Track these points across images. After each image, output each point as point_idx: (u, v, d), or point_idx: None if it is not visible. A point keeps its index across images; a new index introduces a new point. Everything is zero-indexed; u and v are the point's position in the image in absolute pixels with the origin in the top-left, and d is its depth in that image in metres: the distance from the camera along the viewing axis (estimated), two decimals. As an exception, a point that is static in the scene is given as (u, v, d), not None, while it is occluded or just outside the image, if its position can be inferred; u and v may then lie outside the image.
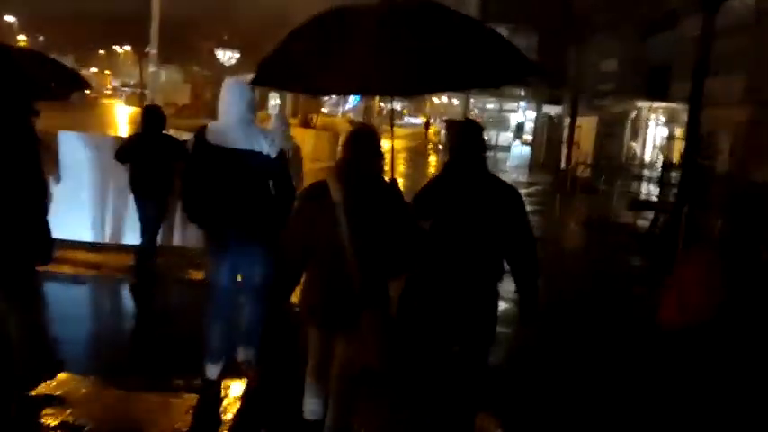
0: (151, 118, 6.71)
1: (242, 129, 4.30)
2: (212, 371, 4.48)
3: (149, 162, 6.55)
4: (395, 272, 3.60)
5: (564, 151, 18.36)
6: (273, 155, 4.34)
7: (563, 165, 19.99)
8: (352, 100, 58.62)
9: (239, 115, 4.32)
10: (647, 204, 14.47)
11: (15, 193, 3.62)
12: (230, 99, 4.36)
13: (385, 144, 3.76)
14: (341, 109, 55.61)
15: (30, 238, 3.73)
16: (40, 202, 3.77)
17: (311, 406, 3.70)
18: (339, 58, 3.74)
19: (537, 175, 19.64)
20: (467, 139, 3.76)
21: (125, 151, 6.77)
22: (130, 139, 7.06)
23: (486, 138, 3.86)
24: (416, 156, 31.96)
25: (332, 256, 3.40)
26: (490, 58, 3.96)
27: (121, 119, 29.06)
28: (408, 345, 3.67)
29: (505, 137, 43.40)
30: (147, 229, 6.77)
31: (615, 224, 13.33)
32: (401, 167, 25.74)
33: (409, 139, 48.16)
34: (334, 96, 75.39)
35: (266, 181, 4.39)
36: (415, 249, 3.56)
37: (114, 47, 58.87)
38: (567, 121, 19.45)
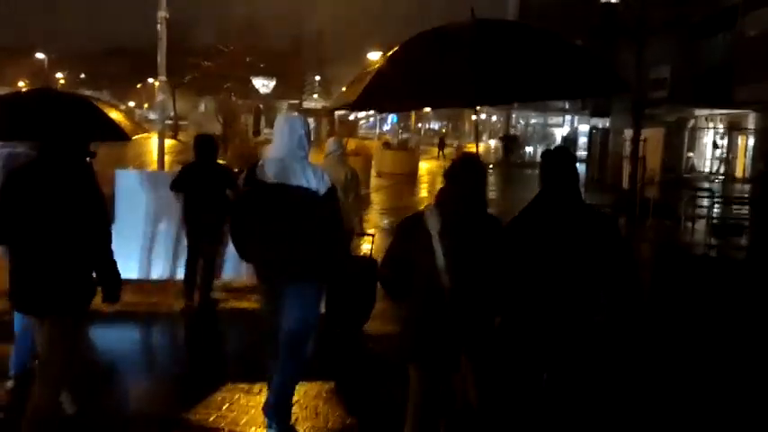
0: (203, 147, 6.78)
1: (291, 164, 4.28)
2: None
3: (203, 191, 6.61)
4: (497, 308, 3.50)
5: (627, 168, 16.17)
6: (322, 191, 4.26)
7: (625, 183, 17.73)
8: (390, 120, 57.53)
9: (289, 150, 4.31)
10: (737, 229, 12.19)
11: (83, 233, 3.70)
12: (281, 134, 4.36)
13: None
14: (377, 131, 54.45)
15: (98, 278, 3.81)
16: (106, 242, 3.82)
17: None
18: (433, 71, 3.90)
19: (594, 196, 17.40)
20: (561, 168, 3.63)
21: (180, 180, 6.78)
22: (184, 168, 7.03)
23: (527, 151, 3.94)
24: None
25: (429, 291, 3.32)
26: (578, 69, 4.07)
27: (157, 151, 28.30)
28: (505, 378, 3.56)
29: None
30: (196, 259, 6.84)
31: (705, 257, 11.11)
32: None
33: (450, 158, 46.33)
34: (371, 119, 75.95)
35: (314, 218, 4.29)
36: (510, 285, 3.47)
37: (149, 79, 58.70)
38: (628, 133, 17.18)
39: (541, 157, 3.85)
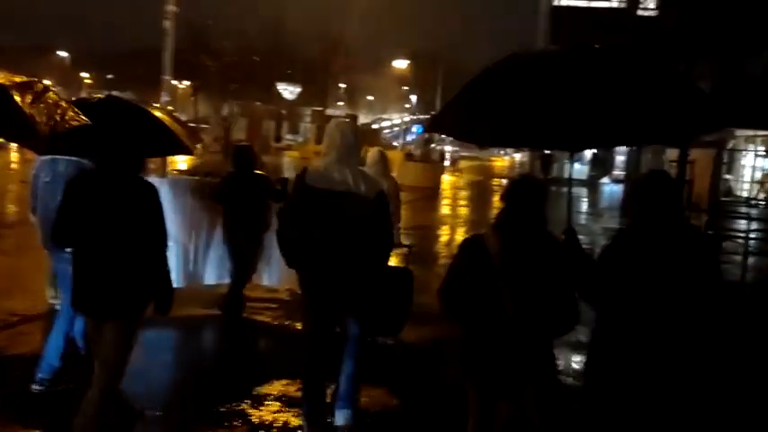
0: (242, 157, 6.80)
1: (341, 170, 4.27)
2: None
3: (243, 201, 6.65)
4: (560, 330, 3.46)
5: None
6: (372, 196, 4.28)
7: None
8: (416, 130, 56.58)
9: (339, 157, 4.31)
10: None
11: (141, 242, 3.87)
12: (331, 141, 4.36)
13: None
14: (400, 141, 53.56)
15: (152, 287, 3.96)
16: (162, 252, 3.98)
17: None
18: (510, 109, 3.57)
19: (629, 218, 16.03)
20: (663, 195, 3.38)
21: (222, 191, 6.82)
22: (224, 178, 7.01)
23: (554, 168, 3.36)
24: (481, 193, 28.66)
25: (490, 314, 3.34)
26: (677, 111, 3.59)
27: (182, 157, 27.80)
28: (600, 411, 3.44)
29: (580, 170, 39.39)
30: (241, 268, 6.80)
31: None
32: (462, 210, 22.61)
33: (474, 171, 44.99)
34: (395, 128, 75.20)
35: (364, 225, 4.26)
36: (573, 310, 3.42)
37: (174, 82, 58.38)
38: (672, 153, 15.74)
39: (644, 180, 3.58)
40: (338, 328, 4.61)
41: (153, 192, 3.98)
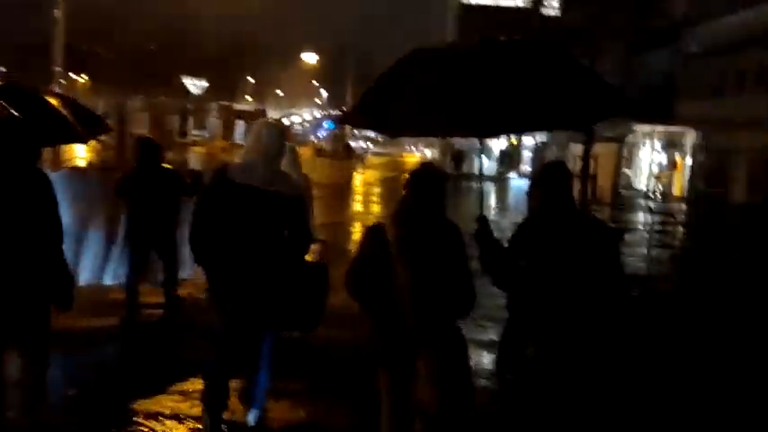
0: (146, 150, 6.55)
1: (265, 169, 4.24)
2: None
3: (150, 197, 6.38)
4: (457, 312, 3.59)
5: (576, 187, 14.98)
6: (294, 197, 4.29)
7: None
8: (326, 125, 56.18)
9: (263, 156, 4.26)
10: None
11: (32, 236, 3.63)
12: (257, 139, 4.32)
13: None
14: (311, 137, 53.06)
15: (49, 283, 3.70)
16: (57, 245, 3.75)
17: None
18: (436, 97, 3.63)
19: None
20: (557, 181, 3.67)
21: (125, 186, 6.54)
22: (128, 173, 6.70)
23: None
24: (393, 189, 28.55)
25: (390, 296, 3.47)
26: (582, 98, 3.78)
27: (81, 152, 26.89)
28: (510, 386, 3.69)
29: (489, 166, 40.01)
30: (141, 270, 6.68)
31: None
32: (374, 206, 22.42)
33: (386, 167, 44.99)
34: (306, 124, 74.52)
35: (282, 225, 4.28)
36: (469, 293, 3.57)
37: (72, 75, 55.78)
38: (575, 148, 16.00)
39: (540, 171, 3.88)
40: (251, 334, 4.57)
41: (47, 183, 3.75)
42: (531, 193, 3.75)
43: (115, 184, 6.67)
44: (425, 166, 3.91)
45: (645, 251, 11.43)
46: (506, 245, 3.68)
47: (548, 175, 3.73)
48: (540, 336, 3.56)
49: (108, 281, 7.34)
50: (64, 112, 5.83)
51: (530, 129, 5.30)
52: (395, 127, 4.25)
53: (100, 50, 47.29)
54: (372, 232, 3.69)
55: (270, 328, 4.57)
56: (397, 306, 3.46)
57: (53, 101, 5.89)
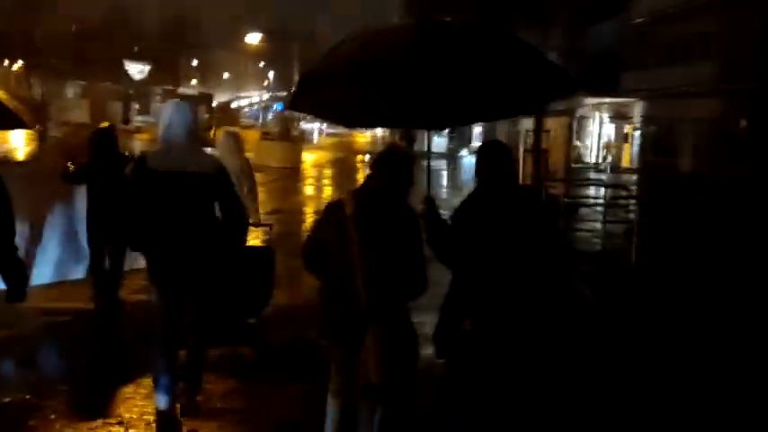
0: (104, 138, 6.47)
1: (182, 150, 4.26)
2: (162, 401, 4.31)
3: (110, 186, 5.92)
4: (410, 293, 3.59)
5: (528, 161, 14.53)
6: (215, 174, 4.31)
7: (522, 180, 15.99)
8: (276, 107, 55.19)
9: (179, 137, 4.27)
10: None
11: None
12: (170, 121, 4.29)
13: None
14: (260, 121, 52.05)
15: (2, 275, 3.76)
16: (9, 238, 3.77)
17: (332, 427, 3.68)
18: (366, 91, 3.66)
19: None
20: (498, 162, 3.75)
21: (84, 173, 6.47)
22: (86, 162, 6.53)
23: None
24: (345, 171, 28.09)
25: (342, 272, 3.50)
26: (529, 83, 3.76)
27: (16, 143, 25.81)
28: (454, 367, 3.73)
29: (439, 143, 39.77)
30: (102, 259, 6.52)
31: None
32: (327, 189, 21.93)
33: (336, 148, 44.46)
34: (255, 107, 73.25)
35: (211, 203, 4.33)
36: (422, 277, 3.58)
37: (5, 61, 53.52)
38: (526, 123, 15.69)
39: (479, 150, 3.97)
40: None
41: None
42: (477, 170, 3.82)
43: (70, 173, 6.51)
44: (392, 146, 4.07)
45: (599, 226, 11.29)
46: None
47: (484, 154, 3.83)
48: (478, 310, 3.63)
49: (43, 279, 7.14)
50: (4, 99, 5.66)
51: (479, 120, 5.20)
52: (343, 119, 4.29)
53: (35, 35, 45.47)
54: (332, 207, 3.68)
55: (198, 299, 4.48)
56: (350, 284, 3.47)
57: None
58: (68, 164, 6.58)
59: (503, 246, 3.57)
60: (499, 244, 3.57)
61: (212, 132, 26.93)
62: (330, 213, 3.64)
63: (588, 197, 15.34)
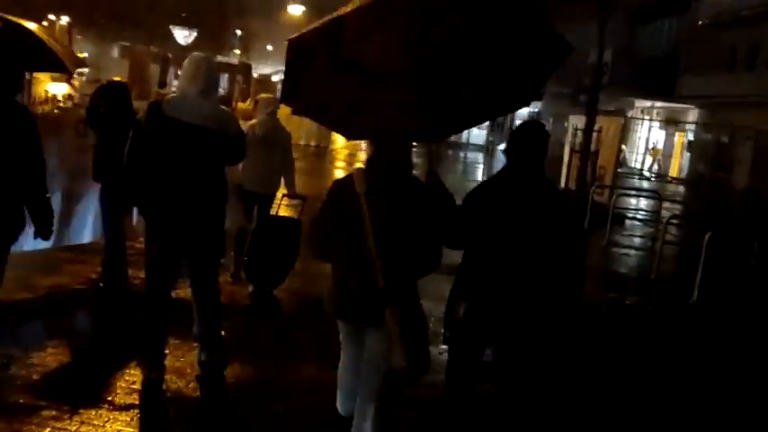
0: (114, 94, 5.87)
1: (202, 104, 4.17)
2: (152, 369, 4.32)
3: (118, 144, 5.31)
4: (423, 269, 3.54)
5: (574, 163, 13.12)
6: (233, 135, 4.28)
7: (565, 182, 14.48)
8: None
9: (201, 91, 4.18)
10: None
11: (17, 167, 3.81)
12: (192, 73, 4.22)
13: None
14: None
15: (31, 213, 3.93)
16: (40, 176, 3.93)
17: (343, 401, 3.74)
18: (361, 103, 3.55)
19: None
20: (532, 143, 3.61)
21: (95, 115, 5.85)
22: (95, 106, 5.93)
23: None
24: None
25: (355, 250, 3.41)
26: (528, 68, 3.53)
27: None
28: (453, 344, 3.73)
29: (478, 135, 38.38)
30: (116, 222, 6.01)
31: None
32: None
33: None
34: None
35: (221, 163, 4.29)
36: (437, 251, 3.51)
37: (51, 17, 53.32)
38: (575, 120, 14.31)
39: (517, 128, 3.76)
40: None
41: (28, 115, 3.91)
42: (508, 150, 3.71)
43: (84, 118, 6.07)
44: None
45: (648, 244, 9.99)
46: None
47: (521, 132, 3.66)
48: (472, 296, 3.59)
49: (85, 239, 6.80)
50: (45, 39, 5.65)
51: (482, 122, 4.73)
52: (348, 130, 4.01)
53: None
54: (338, 187, 3.58)
55: (199, 254, 4.36)
56: (365, 263, 3.36)
57: (31, 26, 5.70)
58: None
59: (516, 234, 3.50)
60: (513, 232, 3.50)
61: (248, 102, 26.34)
62: (338, 193, 3.54)
63: (637, 208, 14.01)
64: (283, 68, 3.80)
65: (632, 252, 10.23)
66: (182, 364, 4.56)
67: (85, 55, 50.66)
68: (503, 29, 3.37)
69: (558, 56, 3.55)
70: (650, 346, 6.24)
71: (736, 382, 5.50)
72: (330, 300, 3.61)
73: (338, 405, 3.71)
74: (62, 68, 5.59)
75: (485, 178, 8.22)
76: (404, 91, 3.46)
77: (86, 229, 6.74)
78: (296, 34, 3.66)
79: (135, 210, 6.18)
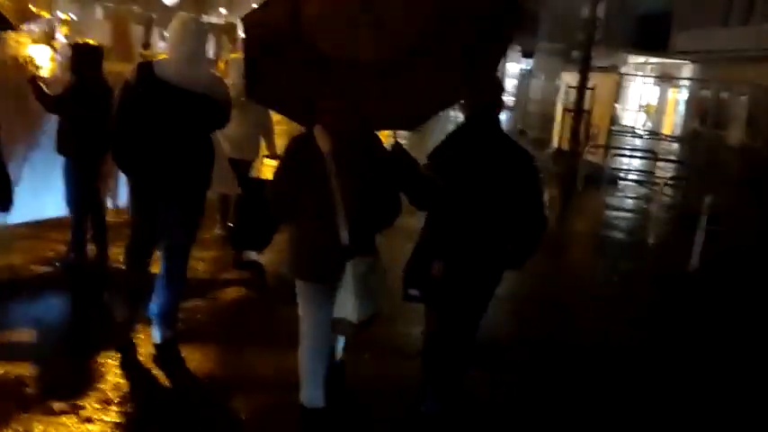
0: (86, 59, 5.53)
1: (191, 68, 4.06)
2: (159, 334, 4.30)
3: (87, 113, 5.41)
4: (383, 224, 3.59)
5: (567, 122, 12.65)
6: (224, 102, 4.22)
7: (557, 142, 14.14)
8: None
9: (190, 53, 4.06)
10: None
11: None
12: (180, 35, 4.07)
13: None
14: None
15: None
16: None
17: (310, 392, 3.59)
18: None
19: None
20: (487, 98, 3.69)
21: (65, 101, 5.42)
22: (67, 87, 5.54)
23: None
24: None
25: (318, 207, 3.43)
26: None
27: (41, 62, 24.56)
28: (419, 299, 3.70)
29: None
30: (83, 195, 5.62)
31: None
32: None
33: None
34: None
35: (209, 128, 4.23)
36: (397, 203, 3.55)
37: (29, -23, 51.92)
38: (568, 78, 13.83)
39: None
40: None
41: None
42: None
43: (55, 100, 5.53)
44: None
45: (644, 206, 9.65)
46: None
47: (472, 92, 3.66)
48: (450, 254, 3.58)
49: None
50: None
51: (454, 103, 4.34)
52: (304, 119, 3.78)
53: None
54: (298, 146, 3.52)
55: (179, 217, 4.25)
56: (328, 221, 3.39)
57: None
58: (37, 79, 5.51)
59: (482, 192, 3.54)
60: (479, 189, 3.54)
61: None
62: (297, 152, 3.50)
63: (631, 169, 13.62)
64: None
65: (628, 215, 9.86)
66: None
67: (72, 17, 49.50)
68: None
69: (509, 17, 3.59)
70: (650, 317, 5.93)
71: (739, 359, 5.20)
72: (295, 262, 3.58)
73: (302, 397, 3.55)
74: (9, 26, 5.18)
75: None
76: (366, 78, 3.42)
77: (48, 202, 6.28)
78: (251, 16, 3.56)
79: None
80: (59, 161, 5.61)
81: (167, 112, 3.99)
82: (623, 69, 28.05)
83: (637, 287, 6.74)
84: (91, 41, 6.07)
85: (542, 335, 5.27)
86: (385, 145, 3.61)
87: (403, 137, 5.09)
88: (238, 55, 6.74)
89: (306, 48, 3.42)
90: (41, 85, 5.43)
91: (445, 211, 3.59)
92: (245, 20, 3.71)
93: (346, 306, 3.38)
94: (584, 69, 11.99)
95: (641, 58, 28.25)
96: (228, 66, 6.51)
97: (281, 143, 6.44)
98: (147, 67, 4.03)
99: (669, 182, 10.00)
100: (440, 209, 3.60)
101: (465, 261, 3.58)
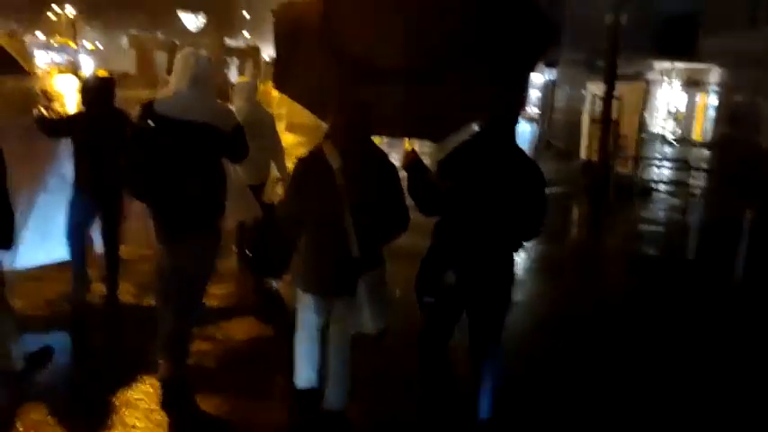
0: (97, 89, 5.51)
1: (194, 100, 4.15)
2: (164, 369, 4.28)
3: (98, 145, 5.41)
4: (391, 235, 3.69)
5: (594, 133, 12.34)
6: (228, 130, 4.20)
7: (585, 154, 13.83)
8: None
9: (190, 86, 4.15)
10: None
11: None
12: (184, 68, 4.18)
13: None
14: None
15: None
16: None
17: (305, 374, 3.75)
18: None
19: (547, 164, 13.41)
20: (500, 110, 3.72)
21: (61, 124, 5.43)
22: (75, 115, 5.67)
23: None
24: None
25: (329, 224, 3.49)
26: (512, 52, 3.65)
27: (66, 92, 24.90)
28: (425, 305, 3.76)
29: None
30: (77, 227, 5.59)
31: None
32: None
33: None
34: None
35: (218, 159, 4.25)
36: (405, 214, 3.64)
37: (55, 8, 52.81)
38: (593, 88, 13.49)
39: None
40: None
41: None
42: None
43: (46, 120, 5.43)
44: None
45: (679, 218, 9.25)
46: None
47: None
48: (461, 262, 3.62)
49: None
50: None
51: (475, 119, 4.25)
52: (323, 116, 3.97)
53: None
54: (309, 163, 3.56)
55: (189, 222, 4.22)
56: (339, 235, 3.43)
57: None
58: (42, 109, 5.41)
59: (490, 199, 3.57)
60: (483, 198, 3.57)
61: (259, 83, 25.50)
62: (306, 173, 3.54)
63: (662, 180, 13.20)
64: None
65: (663, 229, 9.47)
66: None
67: (98, 46, 50.11)
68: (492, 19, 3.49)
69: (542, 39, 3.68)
70: (698, 334, 5.60)
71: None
72: (304, 276, 3.65)
73: (297, 379, 3.72)
74: (20, 70, 5.31)
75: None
76: (394, 85, 3.44)
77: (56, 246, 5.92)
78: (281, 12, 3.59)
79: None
80: (67, 204, 5.53)
81: (168, 145, 4.05)
82: (649, 75, 27.57)
83: (679, 304, 6.40)
84: (102, 73, 6.04)
85: (577, 356, 5.06)
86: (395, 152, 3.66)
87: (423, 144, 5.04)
88: (242, 80, 6.87)
89: (334, 50, 3.48)
90: (44, 112, 5.35)
91: (452, 218, 3.65)
92: (275, 13, 3.74)
93: (362, 320, 3.53)
94: (610, 78, 11.66)
95: (667, 64, 27.70)
96: (233, 91, 6.53)
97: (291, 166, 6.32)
98: (147, 105, 4.15)
99: (703, 191, 9.60)
100: (447, 215, 3.67)
101: (473, 266, 3.64)
